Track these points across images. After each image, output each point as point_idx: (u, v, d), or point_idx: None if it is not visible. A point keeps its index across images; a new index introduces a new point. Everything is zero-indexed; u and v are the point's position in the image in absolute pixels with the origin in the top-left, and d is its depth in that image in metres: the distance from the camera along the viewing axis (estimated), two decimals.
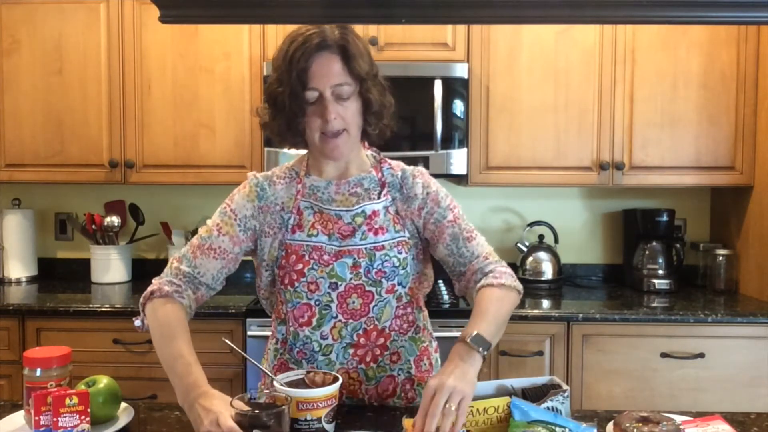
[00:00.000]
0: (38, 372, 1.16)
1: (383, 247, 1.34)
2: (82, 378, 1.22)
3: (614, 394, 2.32)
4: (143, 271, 2.98)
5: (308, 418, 1.11)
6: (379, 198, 1.37)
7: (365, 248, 1.33)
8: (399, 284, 1.36)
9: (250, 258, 3.12)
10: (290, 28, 2.78)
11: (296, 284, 1.33)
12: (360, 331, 1.34)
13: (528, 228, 2.91)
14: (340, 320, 1.33)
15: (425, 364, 1.42)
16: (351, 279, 1.32)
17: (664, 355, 2.31)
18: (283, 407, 1.04)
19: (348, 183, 1.39)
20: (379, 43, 2.59)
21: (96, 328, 2.37)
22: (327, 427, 1.13)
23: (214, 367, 2.35)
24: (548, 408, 1.12)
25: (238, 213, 1.38)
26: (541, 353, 2.33)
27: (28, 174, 2.71)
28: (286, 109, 1.31)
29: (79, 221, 2.92)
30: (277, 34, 2.62)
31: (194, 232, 2.89)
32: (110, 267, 2.83)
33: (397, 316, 1.37)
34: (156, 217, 2.98)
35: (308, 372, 1.21)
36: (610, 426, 1.13)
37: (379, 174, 1.40)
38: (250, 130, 2.65)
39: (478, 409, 1.11)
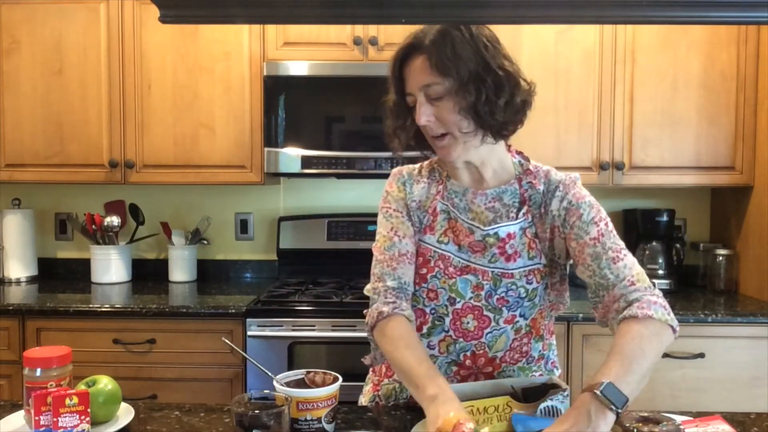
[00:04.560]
0: (38, 372, 1.16)
1: (512, 276, 1.25)
2: (82, 378, 1.22)
3: None
4: (143, 271, 2.98)
5: (308, 418, 1.11)
6: (517, 217, 1.28)
7: (492, 272, 1.26)
8: (521, 316, 1.28)
9: (251, 258, 3.10)
10: (290, 28, 2.80)
11: (417, 288, 1.29)
12: (468, 353, 1.28)
13: None
14: (450, 336, 1.28)
15: None
16: (470, 299, 1.26)
17: (664, 355, 2.29)
18: (283, 407, 1.04)
19: (485, 195, 1.30)
20: (379, 43, 2.59)
21: (96, 328, 2.37)
22: (327, 427, 1.13)
23: (214, 367, 2.36)
24: (548, 407, 1.12)
25: (402, 211, 1.33)
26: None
27: (28, 174, 2.71)
28: (394, 116, 1.30)
29: (79, 221, 2.92)
30: (277, 34, 2.62)
31: (194, 232, 2.90)
32: (110, 267, 2.83)
33: (512, 348, 1.29)
34: (156, 217, 2.98)
35: (308, 372, 1.21)
36: None
37: (521, 188, 1.30)
38: (250, 130, 2.65)
39: (478, 408, 1.11)
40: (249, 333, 2.32)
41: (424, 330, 1.31)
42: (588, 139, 2.63)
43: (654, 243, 2.75)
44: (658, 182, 2.66)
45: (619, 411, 0.99)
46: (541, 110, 2.63)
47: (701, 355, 2.31)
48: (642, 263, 2.71)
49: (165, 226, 2.92)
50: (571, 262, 1.29)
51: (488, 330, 1.27)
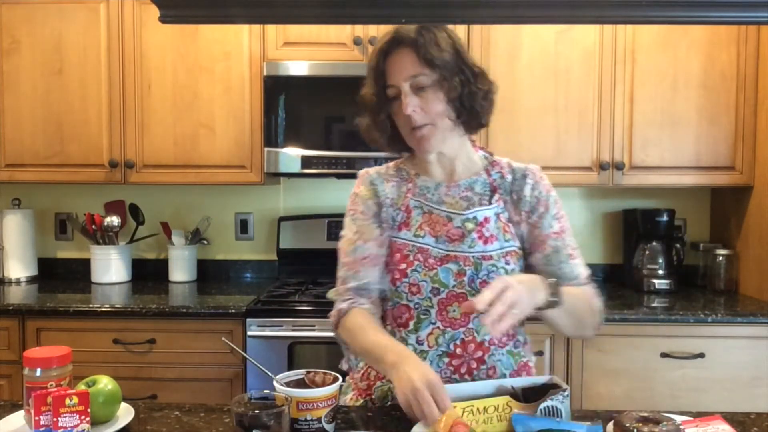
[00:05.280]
0: (38, 372, 1.16)
1: (491, 257, 1.30)
2: (82, 378, 1.21)
3: (614, 394, 2.32)
4: (143, 271, 2.98)
5: (308, 418, 1.11)
6: (490, 203, 1.34)
7: (472, 256, 1.29)
8: None
9: (251, 258, 3.10)
10: (290, 28, 2.80)
11: (398, 284, 1.31)
12: (457, 341, 1.30)
13: None
14: (438, 327, 1.30)
15: None
16: (454, 286, 1.29)
17: (664, 355, 2.31)
18: (283, 407, 1.04)
19: (458, 186, 1.36)
20: None
21: (96, 328, 2.37)
22: (327, 427, 1.13)
23: (214, 367, 2.36)
24: (548, 407, 1.12)
25: (368, 213, 1.37)
26: (541, 353, 2.33)
27: (28, 174, 2.71)
28: (372, 110, 1.34)
29: (79, 221, 2.92)
30: (277, 34, 2.62)
31: (194, 232, 2.90)
32: (110, 267, 2.83)
33: None
34: (156, 217, 2.98)
35: (308, 372, 1.21)
36: (610, 426, 1.13)
37: (490, 178, 1.37)
38: (250, 130, 2.65)
39: (478, 408, 1.11)
40: (249, 333, 2.32)
41: (411, 326, 1.32)
42: (588, 139, 2.63)
43: (654, 243, 2.75)
44: (658, 182, 2.66)
45: (556, 301, 1.16)
46: (541, 110, 2.64)
47: (701, 355, 2.31)
48: (642, 263, 2.74)
49: (165, 226, 2.92)
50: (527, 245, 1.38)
51: (474, 315, 1.29)
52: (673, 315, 2.32)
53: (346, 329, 1.32)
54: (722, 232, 2.89)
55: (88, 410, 1.09)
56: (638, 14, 0.85)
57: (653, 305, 2.49)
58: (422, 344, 1.31)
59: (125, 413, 1.23)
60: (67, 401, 1.07)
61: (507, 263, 1.31)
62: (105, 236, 2.85)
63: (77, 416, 1.07)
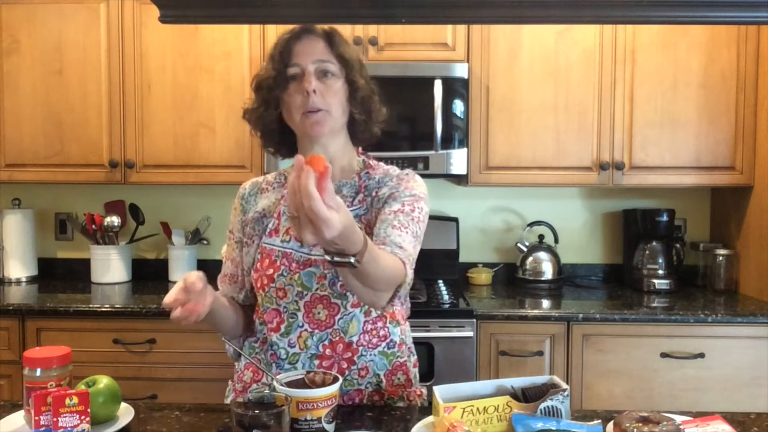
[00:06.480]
0: (38, 372, 1.16)
1: None
2: (82, 378, 1.22)
3: (614, 394, 2.32)
4: (143, 271, 2.98)
5: (308, 418, 1.11)
6: (352, 205, 1.35)
7: None
8: None
9: None
10: (290, 28, 2.78)
11: (267, 289, 1.33)
12: (326, 342, 1.32)
13: (528, 228, 2.91)
14: (306, 330, 1.32)
15: (400, 379, 1.37)
16: (317, 289, 1.30)
17: (664, 355, 2.31)
18: (283, 407, 1.04)
19: None
20: (379, 43, 2.59)
21: (96, 328, 2.37)
22: (327, 427, 1.13)
23: (214, 367, 2.36)
24: (548, 407, 1.12)
25: (235, 233, 1.45)
26: (541, 353, 2.33)
27: (28, 174, 2.71)
28: (268, 88, 1.37)
29: (79, 221, 2.92)
30: (277, 35, 2.61)
31: (194, 232, 2.90)
32: (110, 267, 2.83)
33: (366, 331, 1.33)
34: (156, 217, 2.98)
35: (308, 372, 1.21)
36: (610, 426, 1.13)
37: (360, 180, 1.39)
38: (250, 130, 2.65)
39: (478, 408, 1.11)
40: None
41: (282, 329, 1.34)
42: (588, 139, 2.63)
43: (654, 243, 2.75)
44: (658, 182, 2.66)
45: (350, 263, 1.03)
46: (541, 110, 2.64)
47: (701, 355, 2.31)
48: (642, 263, 2.75)
49: (165, 226, 2.92)
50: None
51: (339, 316, 1.32)
52: (673, 315, 2.32)
53: None
54: (722, 232, 2.89)
55: (88, 410, 1.09)
56: (638, 14, 0.85)
57: (653, 305, 2.49)
58: (293, 347, 1.33)
59: (125, 413, 1.23)
60: (67, 401, 1.07)
61: None
62: (105, 236, 2.85)
63: (77, 416, 1.07)
